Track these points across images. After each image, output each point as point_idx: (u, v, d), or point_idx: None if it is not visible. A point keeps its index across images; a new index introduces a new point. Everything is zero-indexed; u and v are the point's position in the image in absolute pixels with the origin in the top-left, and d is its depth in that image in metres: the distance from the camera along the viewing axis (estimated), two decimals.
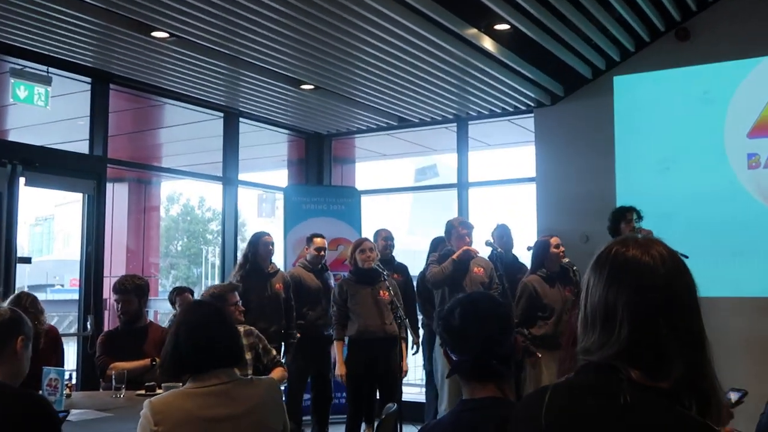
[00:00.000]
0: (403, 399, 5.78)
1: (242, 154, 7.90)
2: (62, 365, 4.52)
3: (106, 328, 6.05)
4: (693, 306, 1.28)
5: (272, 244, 6.02)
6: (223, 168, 7.77)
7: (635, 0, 5.89)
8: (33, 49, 5.69)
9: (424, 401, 6.80)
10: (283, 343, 5.98)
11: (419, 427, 5.80)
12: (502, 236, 6.32)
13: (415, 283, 6.48)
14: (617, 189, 6.80)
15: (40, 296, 4.54)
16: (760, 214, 6.29)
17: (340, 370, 5.48)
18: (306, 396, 6.48)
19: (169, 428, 2.32)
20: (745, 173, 6.38)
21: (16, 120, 8.02)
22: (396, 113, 7.85)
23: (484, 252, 5.87)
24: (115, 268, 10.04)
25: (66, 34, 5.38)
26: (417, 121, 8.08)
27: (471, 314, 1.96)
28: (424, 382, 7.08)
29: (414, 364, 7.82)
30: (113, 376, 4.06)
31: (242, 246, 6.51)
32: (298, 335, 6.02)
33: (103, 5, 4.88)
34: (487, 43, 5.83)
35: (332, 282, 6.47)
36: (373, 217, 8.84)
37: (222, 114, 7.66)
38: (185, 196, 26.07)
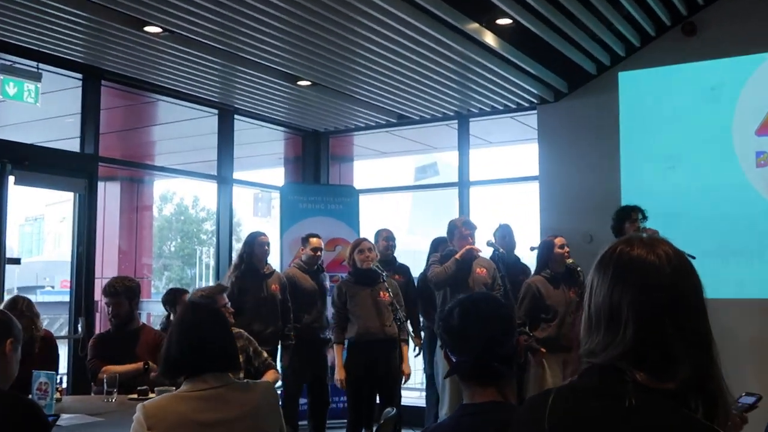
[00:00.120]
0: (402, 403, 5.79)
1: (237, 152, 7.90)
2: (57, 371, 4.52)
3: (97, 331, 6.05)
4: (699, 306, 1.28)
5: (268, 244, 6.03)
6: (218, 166, 7.77)
7: None
8: (22, 44, 5.68)
9: (425, 405, 6.80)
10: (279, 346, 5.97)
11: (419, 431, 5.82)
12: (505, 236, 6.33)
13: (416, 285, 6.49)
14: (622, 188, 6.80)
15: (30, 298, 4.54)
16: None
17: (339, 374, 5.48)
18: (302, 400, 6.48)
19: None
20: (754, 171, 6.38)
21: (5, 117, 8.01)
22: (395, 110, 7.85)
23: (486, 252, 5.88)
24: (106, 269, 10.05)
25: (56, 29, 5.38)
26: (417, 118, 8.08)
27: (471, 314, 1.96)
28: (424, 386, 7.08)
29: (414, 367, 7.82)
30: (105, 380, 4.06)
31: (237, 246, 6.51)
32: (293, 341, 6.01)
33: None
34: (489, 38, 5.84)
35: (328, 283, 6.48)
36: (371, 217, 8.85)
37: (216, 111, 7.66)
38: (179, 195, 26.07)
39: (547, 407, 1.28)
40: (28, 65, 5.91)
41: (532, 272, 6.12)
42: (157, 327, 5.32)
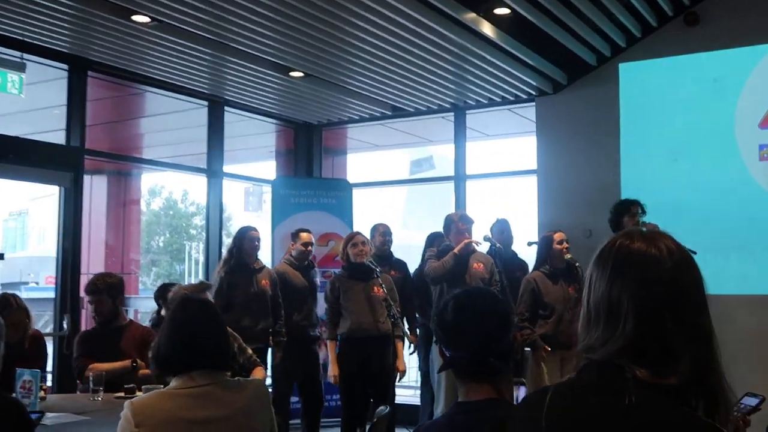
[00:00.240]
0: (396, 401, 5.80)
1: (228, 144, 7.89)
2: (44, 369, 4.52)
3: (83, 328, 6.04)
4: (700, 301, 1.29)
5: (258, 239, 6.02)
6: (208, 160, 7.76)
7: None
8: (6, 34, 5.66)
9: (419, 404, 6.81)
10: (270, 343, 5.97)
11: (412, 430, 5.83)
12: (502, 231, 6.34)
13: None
14: (622, 182, 6.81)
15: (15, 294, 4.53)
16: None
17: (333, 370, 5.49)
18: (294, 399, 6.49)
19: (150, 430, 2.33)
20: (757, 165, 6.40)
21: None
22: (390, 102, 7.84)
23: (483, 248, 5.88)
24: (92, 264, 10.01)
25: (41, 17, 5.35)
26: (412, 110, 8.08)
27: (466, 309, 1.96)
28: (419, 384, 7.09)
29: (409, 364, 7.83)
30: (91, 378, 4.05)
31: (227, 242, 6.50)
32: (284, 337, 6.00)
33: None
34: (487, 28, 5.83)
35: (318, 280, 6.48)
36: (365, 211, 8.84)
37: (206, 103, 7.65)
38: (167, 189, 25.97)
39: (545, 404, 1.29)
40: (11, 55, 5.88)
41: (530, 268, 6.16)
42: (146, 323, 5.32)
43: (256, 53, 6.14)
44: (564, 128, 7.29)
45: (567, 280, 5.57)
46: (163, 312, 4.89)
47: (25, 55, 5.94)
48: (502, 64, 6.52)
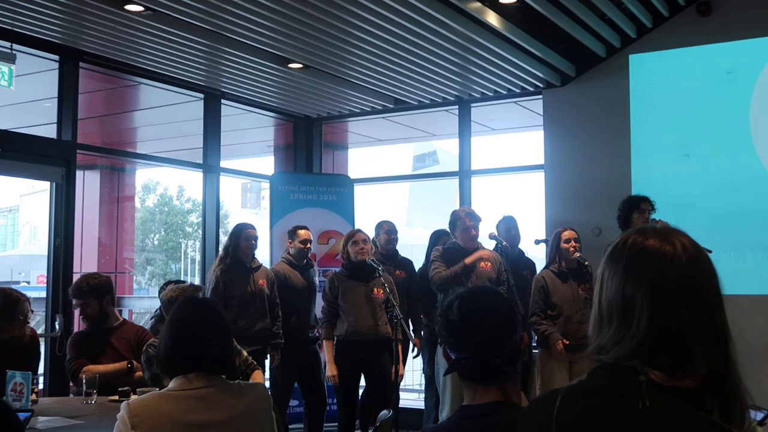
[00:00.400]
0: (400, 405, 5.79)
1: (224, 139, 7.89)
2: (37, 371, 4.52)
3: (75, 329, 6.04)
4: (716, 299, 1.28)
5: (255, 238, 5.97)
6: (204, 154, 7.75)
7: None
8: None
9: (424, 408, 6.81)
10: (268, 345, 5.96)
11: None
12: (509, 229, 6.32)
13: None
14: (633, 177, 6.81)
15: None
16: None
17: (331, 370, 5.49)
18: (294, 402, 6.48)
19: None
20: None
21: None
22: (392, 95, 7.84)
23: (489, 245, 5.87)
24: (85, 263, 10.03)
25: (31, 6, 5.34)
26: (415, 103, 8.07)
27: (471, 309, 1.95)
28: (423, 387, 7.09)
29: (412, 367, 7.84)
30: (84, 381, 4.05)
31: (225, 240, 6.49)
32: (281, 339, 5.99)
33: None
34: (492, 18, 5.82)
35: (318, 279, 6.46)
36: (367, 208, 8.85)
37: (202, 95, 7.64)
38: (162, 185, 26.05)
39: (554, 409, 1.28)
40: (1, 46, 5.88)
41: (537, 267, 6.16)
42: (149, 320, 5.32)
43: (253, 44, 6.14)
44: (572, 122, 7.28)
45: (577, 280, 5.56)
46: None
47: (15, 46, 5.94)
48: (508, 56, 6.51)
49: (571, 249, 5.58)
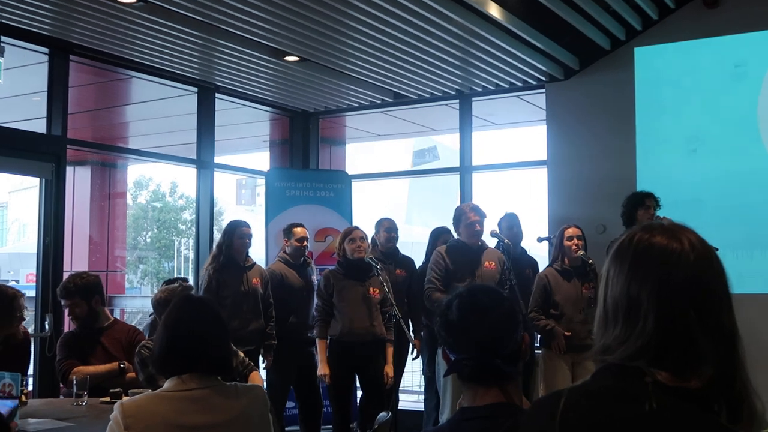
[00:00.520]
0: (399, 407, 5.79)
1: (219, 134, 7.88)
2: (26, 372, 4.53)
3: (66, 329, 6.04)
4: (724, 298, 1.29)
5: (249, 236, 5.95)
6: (198, 150, 7.75)
7: None
8: None
9: (423, 410, 6.82)
10: (262, 346, 5.95)
11: None
12: (512, 227, 6.32)
13: None
14: (638, 173, 6.81)
15: None
16: None
17: (323, 369, 5.48)
18: (290, 404, 6.48)
19: None
20: None
21: None
22: (391, 88, 7.83)
23: (490, 243, 5.86)
24: (76, 261, 10.02)
25: None
26: (415, 97, 8.07)
27: (471, 308, 1.95)
28: (423, 389, 7.10)
29: (412, 369, 7.84)
30: (74, 382, 4.05)
31: (218, 237, 6.47)
32: (275, 340, 5.98)
33: None
34: (494, 10, 5.81)
35: (315, 278, 6.46)
36: (365, 205, 8.85)
37: (196, 89, 7.63)
38: (155, 181, 26.04)
39: (558, 411, 1.28)
40: None
41: (540, 265, 6.15)
42: (146, 327, 5.32)
43: (248, 36, 6.13)
44: (576, 116, 7.27)
45: (581, 279, 5.56)
46: None
47: (3, 38, 5.93)
48: (510, 48, 6.51)
49: (574, 247, 5.57)
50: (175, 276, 11.13)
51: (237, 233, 5.88)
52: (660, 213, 5.61)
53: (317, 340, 5.59)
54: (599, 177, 7.02)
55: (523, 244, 6.49)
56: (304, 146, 8.89)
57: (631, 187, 6.43)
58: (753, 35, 6.49)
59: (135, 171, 22.08)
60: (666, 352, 1.25)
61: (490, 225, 6.10)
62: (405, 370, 6.93)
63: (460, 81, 7.54)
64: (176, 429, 2.38)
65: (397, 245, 6.44)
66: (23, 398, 3.97)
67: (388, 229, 6.41)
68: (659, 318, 1.26)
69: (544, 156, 7.51)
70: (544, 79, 7.40)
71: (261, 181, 8.46)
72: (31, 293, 6.67)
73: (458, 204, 6.38)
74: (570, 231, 5.64)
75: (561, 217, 6.73)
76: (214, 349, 2.52)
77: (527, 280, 5.85)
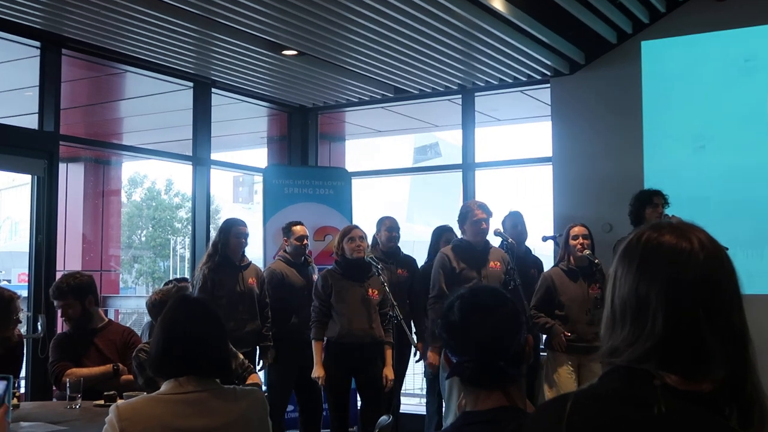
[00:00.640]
0: (401, 410, 5.79)
1: (215, 130, 7.88)
2: (18, 374, 4.53)
3: (59, 330, 6.04)
4: (735, 298, 1.28)
5: (246, 236, 5.92)
6: (194, 146, 7.75)
7: None
8: None
9: (425, 413, 6.82)
10: (257, 348, 5.95)
11: None
12: (515, 225, 6.31)
13: None
14: (645, 170, 6.81)
15: None
16: None
17: (317, 372, 5.47)
18: (289, 407, 6.48)
19: None
20: None
21: None
22: (392, 83, 7.83)
23: (494, 242, 5.86)
24: (69, 260, 10.02)
25: None
26: (416, 92, 8.06)
27: (473, 309, 1.94)
28: (425, 392, 7.09)
29: (413, 371, 7.84)
30: (68, 384, 4.05)
31: (214, 236, 6.47)
32: (271, 342, 5.97)
33: None
34: (497, 3, 5.81)
35: (316, 277, 6.45)
36: (365, 203, 8.85)
37: (192, 84, 7.63)
38: (150, 178, 26.05)
39: (564, 414, 1.27)
40: None
41: (545, 265, 6.14)
42: (144, 330, 5.32)
43: (245, 29, 6.12)
44: (581, 112, 7.27)
45: (588, 279, 5.56)
46: None
47: None
48: (514, 42, 6.50)
49: (578, 246, 5.56)
50: (176, 277, 11.12)
51: (233, 232, 5.86)
52: (668, 211, 5.61)
53: (313, 341, 5.55)
54: (605, 174, 7.01)
55: (528, 243, 6.48)
56: (302, 142, 8.89)
57: (638, 184, 6.43)
58: (763, 28, 6.49)
59: (129, 168, 22.07)
60: (675, 354, 1.25)
61: (493, 224, 6.10)
62: (406, 372, 6.93)
63: (462, 75, 7.54)
64: None
65: (399, 244, 6.43)
66: (15, 401, 3.97)
67: (389, 228, 6.40)
68: (668, 319, 1.25)
69: (548, 153, 7.50)
70: (548, 73, 7.40)
71: (258, 179, 8.47)
72: (24, 293, 6.68)
73: (460, 202, 6.38)
74: (576, 230, 5.64)
75: (566, 216, 6.73)
76: (211, 350, 2.53)
77: (532, 280, 5.84)
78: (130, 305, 13.29)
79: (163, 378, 2.51)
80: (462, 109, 8.08)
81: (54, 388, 4.70)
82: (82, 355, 4.50)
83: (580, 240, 5.58)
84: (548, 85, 7.52)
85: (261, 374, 5.96)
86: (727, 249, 1.42)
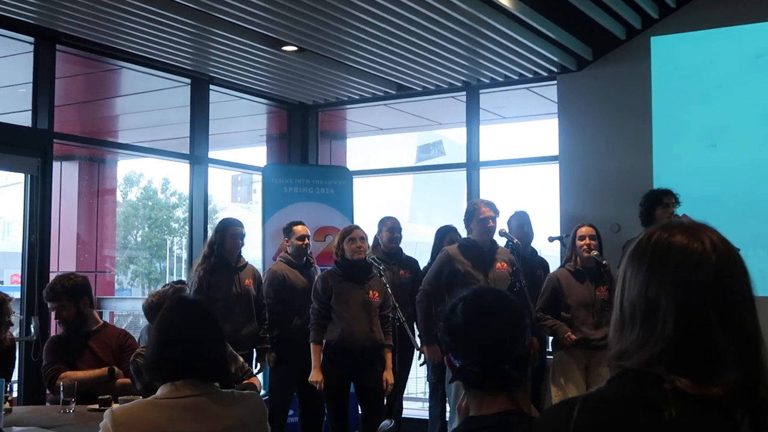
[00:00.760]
0: (403, 415, 5.78)
1: (213, 128, 7.88)
2: (10, 377, 4.54)
3: (53, 332, 6.05)
4: (747, 300, 1.28)
5: (242, 236, 5.91)
6: (191, 144, 7.75)
7: None
8: None
9: (428, 418, 6.82)
10: (254, 351, 5.94)
11: None
12: (521, 225, 6.31)
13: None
14: (654, 169, 6.80)
15: None
16: None
17: (315, 376, 5.46)
18: (289, 411, 6.48)
19: None
20: None
21: None
22: (395, 80, 7.83)
23: (500, 242, 5.85)
24: (63, 261, 10.04)
25: None
26: (419, 89, 8.06)
27: (476, 311, 1.94)
28: (428, 396, 7.09)
29: (416, 375, 7.84)
30: (61, 388, 4.05)
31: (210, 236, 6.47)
32: (268, 344, 5.97)
33: None
34: None
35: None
36: (367, 203, 8.86)
37: (189, 80, 7.63)
38: (146, 177, 26.08)
39: (572, 419, 1.27)
40: None
41: (550, 266, 6.14)
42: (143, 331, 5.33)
43: (244, 25, 6.12)
44: (589, 110, 7.27)
45: (595, 281, 5.55)
46: None
47: None
48: (519, 38, 6.50)
49: (584, 247, 5.55)
50: (173, 279, 11.14)
51: (229, 232, 5.85)
52: (679, 210, 5.61)
53: (311, 345, 5.55)
54: (614, 173, 7.01)
55: (534, 244, 6.49)
56: (302, 141, 8.89)
57: (647, 183, 6.42)
58: None
59: (125, 166, 22.12)
60: (686, 357, 1.25)
61: (499, 224, 6.10)
62: (409, 376, 6.93)
63: (467, 72, 7.54)
64: None
65: (401, 246, 6.43)
66: (7, 405, 3.97)
67: (391, 228, 6.41)
68: (679, 321, 1.25)
69: (555, 151, 7.50)
70: (555, 70, 7.39)
71: (257, 178, 8.47)
72: (16, 295, 6.68)
73: (464, 202, 6.37)
74: (583, 230, 5.63)
75: (573, 216, 6.72)
76: (208, 352, 2.53)
77: (538, 282, 5.84)
78: (126, 307, 13.29)
79: (160, 381, 2.51)
80: (466, 106, 8.08)
81: (47, 392, 4.70)
82: (77, 358, 4.50)
83: (587, 241, 5.58)
84: (555, 81, 7.51)
85: (260, 377, 5.98)
86: (739, 250, 1.42)
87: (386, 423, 3.71)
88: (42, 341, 5.16)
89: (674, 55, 6.89)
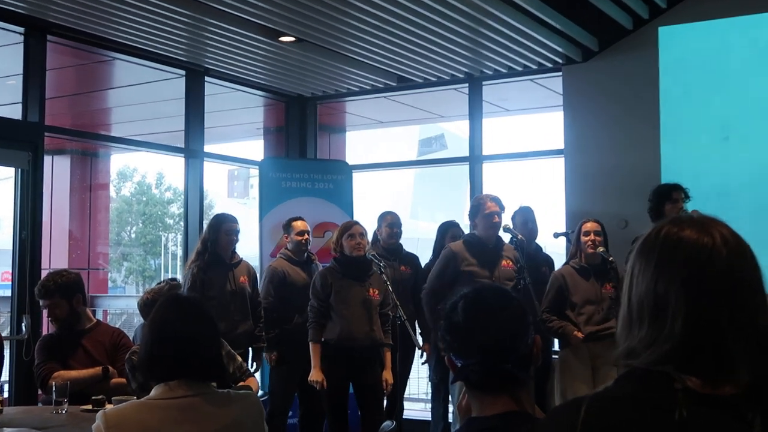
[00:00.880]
0: (405, 416, 5.79)
1: (209, 121, 7.88)
2: (0, 377, 4.54)
3: (44, 331, 6.05)
4: (759, 298, 1.28)
5: (237, 233, 5.87)
6: (186, 138, 7.75)
7: None
8: None
9: (430, 419, 6.83)
10: (250, 350, 5.95)
11: None
12: (526, 221, 6.31)
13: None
14: (663, 163, 6.80)
15: None
16: None
17: (316, 375, 5.46)
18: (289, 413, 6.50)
19: None
20: None
21: None
22: (395, 71, 7.82)
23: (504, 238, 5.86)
24: (55, 258, 10.04)
25: None
26: (421, 81, 8.06)
27: (477, 309, 1.94)
28: (430, 397, 7.10)
29: (418, 375, 7.85)
30: (54, 388, 4.06)
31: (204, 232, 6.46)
32: (264, 343, 5.97)
33: None
34: None
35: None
36: (367, 198, 8.86)
37: (184, 72, 7.63)
38: (140, 171, 26.10)
39: (578, 419, 1.27)
40: None
41: (555, 263, 6.14)
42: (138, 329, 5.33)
43: (240, 15, 6.12)
44: (595, 102, 7.26)
45: (601, 278, 5.55)
46: None
47: None
48: (523, 28, 6.49)
49: (589, 243, 5.55)
50: (168, 277, 11.15)
51: (223, 229, 5.81)
52: (688, 206, 5.61)
53: (311, 344, 5.54)
54: (621, 167, 7.00)
55: (539, 240, 6.48)
56: (300, 134, 8.89)
57: (655, 178, 6.42)
58: None
59: (118, 161, 22.11)
60: (696, 355, 1.24)
61: (503, 219, 6.10)
62: (411, 376, 6.94)
63: (469, 63, 7.53)
64: None
65: (401, 242, 6.43)
66: None
67: (390, 224, 6.41)
68: (688, 318, 1.25)
69: (560, 145, 7.50)
70: (560, 61, 7.39)
71: (254, 172, 8.47)
72: (7, 293, 6.69)
73: (467, 197, 6.37)
74: (588, 226, 5.63)
75: (579, 211, 6.72)
76: (203, 350, 2.52)
77: (543, 278, 5.84)
78: (120, 305, 13.32)
79: (154, 381, 2.51)
80: (469, 98, 8.08)
81: (39, 392, 4.71)
82: (70, 358, 4.50)
83: (592, 236, 5.57)
84: (560, 73, 7.51)
85: (257, 376, 5.98)
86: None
87: (387, 424, 3.71)
88: (34, 340, 5.16)
89: (683, 46, 6.88)
